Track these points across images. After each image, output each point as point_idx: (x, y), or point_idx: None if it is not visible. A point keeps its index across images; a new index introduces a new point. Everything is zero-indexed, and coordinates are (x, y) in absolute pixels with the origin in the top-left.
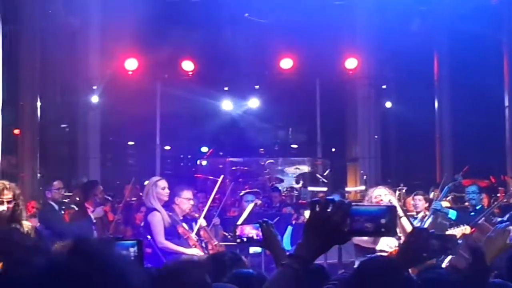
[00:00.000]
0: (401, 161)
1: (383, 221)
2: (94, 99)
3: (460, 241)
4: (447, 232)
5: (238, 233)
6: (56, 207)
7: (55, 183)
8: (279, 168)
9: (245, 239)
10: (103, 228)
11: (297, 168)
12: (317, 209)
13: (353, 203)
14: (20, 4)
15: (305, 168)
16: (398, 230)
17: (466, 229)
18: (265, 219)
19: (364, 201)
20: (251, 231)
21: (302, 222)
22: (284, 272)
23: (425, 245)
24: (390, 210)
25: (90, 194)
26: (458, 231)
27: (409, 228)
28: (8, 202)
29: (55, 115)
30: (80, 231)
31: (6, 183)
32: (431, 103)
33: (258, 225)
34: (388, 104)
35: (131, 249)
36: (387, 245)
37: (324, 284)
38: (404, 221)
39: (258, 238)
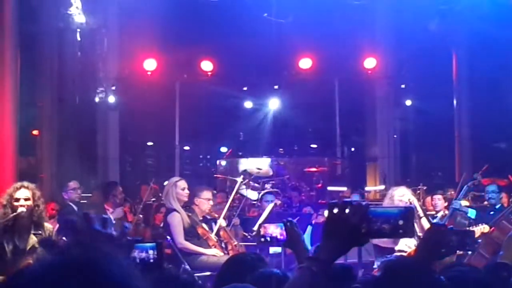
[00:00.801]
0: (420, 161)
1: (401, 222)
2: (113, 99)
3: (479, 240)
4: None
5: (262, 232)
6: (75, 208)
7: (71, 183)
8: (298, 168)
9: (268, 239)
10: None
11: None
12: (335, 211)
13: (370, 205)
14: (37, 5)
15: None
16: (417, 230)
17: (484, 228)
18: (289, 219)
19: (385, 200)
20: (275, 231)
21: (322, 222)
22: (303, 274)
23: (443, 241)
24: (408, 211)
25: (109, 195)
26: (476, 230)
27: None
28: (26, 200)
29: (73, 116)
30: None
31: (25, 183)
32: (450, 102)
33: (281, 224)
34: (408, 103)
35: (151, 251)
36: (406, 245)
37: (350, 285)
38: (424, 221)
39: (282, 237)
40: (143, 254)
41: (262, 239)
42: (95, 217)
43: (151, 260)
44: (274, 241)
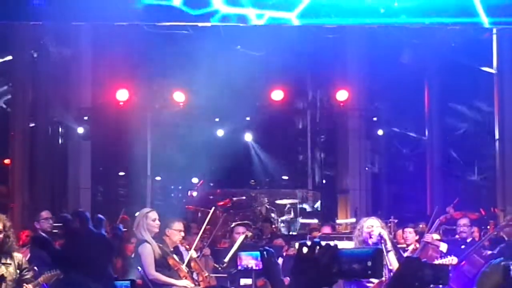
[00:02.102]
0: (392, 193)
1: (369, 263)
2: (85, 129)
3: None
4: (435, 262)
5: (238, 263)
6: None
7: (43, 213)
8: (270, 199)
9: (241, 268)
10: None
11: (288, 200)
12: (305, 251)
13: (338, 245)
14: (11, 34)
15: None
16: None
17: (453, 260)
18: (266, 247)
19: (355, 230)
20: (250, 261)
21: (293, 254)
22: None
23: (417, 274)
24: (377, 252)
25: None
26: (446, 262)
27: (395, 263)
28: None
29: (45, 145)
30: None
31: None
32: (422, 134)
33: (256, 255)
34: (379, 135)
35: None
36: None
37: None
38: (391, 256)
39: (257, 268)
40: None
41: (239, 267)
42: (90, 217)
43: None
44: (250, 271)
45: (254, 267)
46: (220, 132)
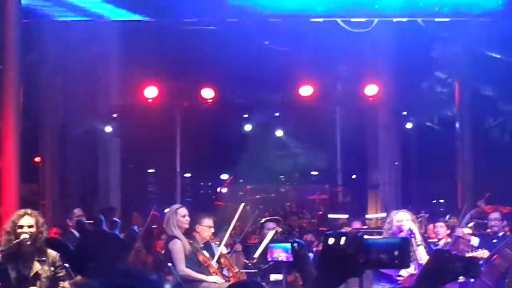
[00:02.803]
0: (422, 188)
1: (396, 253)
2: (115, 127)
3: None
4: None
5: (268, 255)
6: (77, 234)
7: (75, 210)
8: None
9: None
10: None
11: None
12: (331, 242)
13: (366, 235)
14: (41, 34)
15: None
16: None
17: (484, 253)
18: (297, 240)
19: (385, 223)
20: (281, 254)
21: None
22: None
23: (447, 267)
24: (404, 242)
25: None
26: (477, 255)
27: (425, 257)
28: (29, 227)
29: (75, 143)
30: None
31: (29, 210)
32: (452, 128)
33: (287, 247)
34: (409, 127)
35: None
36: (406, 271)
37: None
38: (421, 250)
39: (288, 260)
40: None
41: (269, 260)
42: (104, 219)
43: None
44: (281, 263)
45: (284, 260)
46: (249, 128)
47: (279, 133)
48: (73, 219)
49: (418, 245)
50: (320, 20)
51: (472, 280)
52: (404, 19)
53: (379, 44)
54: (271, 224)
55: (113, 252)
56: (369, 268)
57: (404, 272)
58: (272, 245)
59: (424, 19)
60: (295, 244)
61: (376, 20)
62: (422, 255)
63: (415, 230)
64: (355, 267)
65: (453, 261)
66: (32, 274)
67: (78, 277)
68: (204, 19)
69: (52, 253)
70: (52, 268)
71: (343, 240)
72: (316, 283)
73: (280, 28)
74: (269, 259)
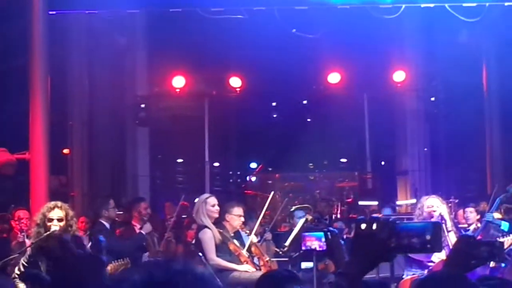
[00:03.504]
0: (451, 173)
1: (428, 237)
2: (142, 116)
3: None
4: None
5: (302, 243)
6: (108, 225)
7: (111, 201)
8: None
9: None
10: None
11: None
12: (363, 227)
13: (398, 220)
14: (66, 25)
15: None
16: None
17: None
18: (330, 228)
19: (415, 209)
20: (314, 242)
21: None
22: None
23: (472, 252)
24: (435, 226)
25: (134, 212)
26: (506, 240)
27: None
28: (59, 221)
29: (104, 134)
30: (129, 248)
31: (59, 203)
32: (481, 114)
33: (320, 236)
34: (438, 113)
35: None
36: (438, 257)
37: None
38: (452, 236)
39: (321, 248)
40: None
41: (302, 248)
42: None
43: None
44: (313, 252)
45: (317, 248)
46: (277, 116)
47: (307, 120)
48: (109, 210)
49: (449, 231)
50: (347, 7)
51: (503, 265)
52: (432, 5)
53: (407, 30)
54: (300, 213)
55: (87, 270)
56: (401, 252)
57: (435, 258)
58: (305, 233)
59: (451, 4)
60: (329, 233)
61: (403, 6)
62: (453, 241)
63: (446, 215)
64: (387, 252)
65: (478, 246)
66: None
67: (108, 268)
68: (230, 7)
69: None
70: None
71: (375, 225)
72: (348, 268)
73: (307, 16)
74: (303, 248)
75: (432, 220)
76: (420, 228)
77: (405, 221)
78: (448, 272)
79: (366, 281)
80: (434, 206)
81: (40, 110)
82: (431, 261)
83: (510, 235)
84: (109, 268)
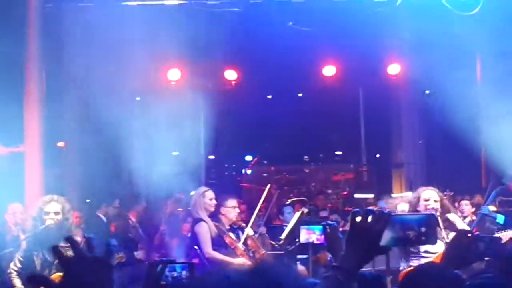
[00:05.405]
0: (446, 166)
1: (423, 229)
2: (137, 110)
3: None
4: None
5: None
6: (105, 219)
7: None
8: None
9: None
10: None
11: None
12: (358, 219)
13: (392, 213)
14: (59, 17)
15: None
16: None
17: None
18: (329, 222)
19: (412, 197)
20: (312, 235)
21: None
22: (330, 283)
23: (470, 247)
24: (429, 218)
25: (132, 205)
26: (505, 235)
27: (459, 223)
28: (56, 214)
29: (99, 127)
30: (123, 241)
31: (55, 197)
32: (476, 106)
33: (318, 229)
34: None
35: (183, 272)
36: (434, 247)
37: None
38: (452, 216)
39: (319, 242)
40: (175, 274)
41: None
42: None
43: (183, 280)
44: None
45: (315, 242)
46: (272, 109)
47: (302, 114)
48: (111, 207)
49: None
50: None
51: None
52: None
53: (402, 23)
54: (288, 208)
55: (98, 275)
56: (396, 245)
57: (432, 249)
58: (303, 226)
59: None
60: (327, 227)
61: None
62: (456, 221)
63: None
64: (382, 245)
65: (475, 241)
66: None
67: None
68: (227, 0)
69: (77, 239)
70: None
71: (370, 217)
72: (343, 262)
73: (303, 9)
74: (301, 241)
75: (428, 212)
76: (415, 220)
77: (400, 214)
78: (444, 266)
79: (362, 274)
80: (431, 199)
81: (35, 103)
82: (427, 251)
83: (507, 230)
84: None
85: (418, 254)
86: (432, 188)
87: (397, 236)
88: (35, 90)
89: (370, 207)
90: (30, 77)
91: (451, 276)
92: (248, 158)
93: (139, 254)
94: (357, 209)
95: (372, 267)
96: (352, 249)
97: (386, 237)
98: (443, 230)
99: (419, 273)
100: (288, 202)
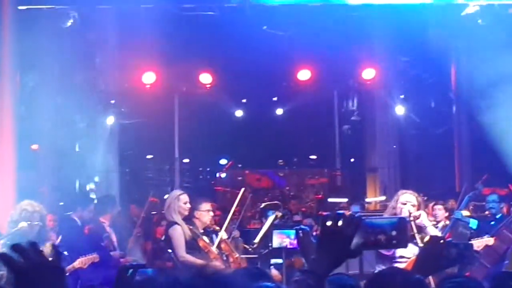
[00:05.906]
0: (420, 171)
1: (394, 233)
2: (112, 112)
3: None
4: (471, 242)
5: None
6: (79, 222)
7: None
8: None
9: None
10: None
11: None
12: (329, 223)
13: (364, 216)
14: (34, 20)
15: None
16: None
17: (489, 240)
18: (302, 226)
19: (391, 202)
20: (285, 240)
21: None
22: (299, 287)
23: (442, 253)
24: (401, 222)
25: (106, 209)
26: (481, 242)
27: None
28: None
29: (73, 130)
30: (94, 245)
31: (32, 202)
32: (449, 111)
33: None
34: (407, 113)
35: None
36: (410, 251)
37: None
38: (431, 230)
39: (291, 246)
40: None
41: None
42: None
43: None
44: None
45: (288, 246)
46: (247, 113)
47: (277, 117)
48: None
49: (426, 226)
50: (318, 4)
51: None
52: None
53: (376, 28)
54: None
55: (47, 280)
56: (367, 249)
57: (407, 254)
58: (276, 231)
59: (420, 2)
60: (300, 231)
61: (372, 4)
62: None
63: (423, 215)
64: (353, 249)
65: (448, 248)
66: None
67: (76, 263)
68: (202, 4)
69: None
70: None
71: (340, 221)
72: (314, 266)
73: (278, 13)
74: (274, 246)
75: (399, 216)
76: (386, 224)
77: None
78: (415, 271)
79: (335, 280)
80: (408, 203)
81: (9, 106)
82: (402, 256)
83: (485, 237)
84: (77, 263)
85: (393, 259)
86: (411, 192)
87: (368, 239)
88: (8, 93)
89: (340, 211)
90: (4, 80)
91: (414, 280)
92: (223, 161)
93: (115, 253)
94: (327, 213)
95: (345, 271)
96: (323, 253)
97: (357, 240)
98: (416, 234)
99: (381, 277)
100: (261, 206)
